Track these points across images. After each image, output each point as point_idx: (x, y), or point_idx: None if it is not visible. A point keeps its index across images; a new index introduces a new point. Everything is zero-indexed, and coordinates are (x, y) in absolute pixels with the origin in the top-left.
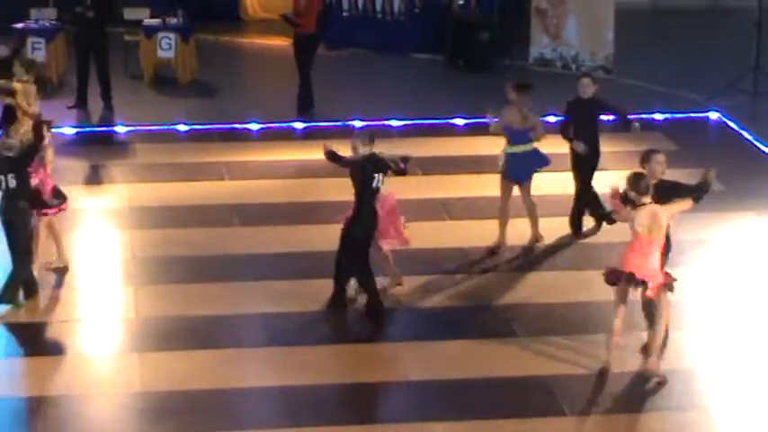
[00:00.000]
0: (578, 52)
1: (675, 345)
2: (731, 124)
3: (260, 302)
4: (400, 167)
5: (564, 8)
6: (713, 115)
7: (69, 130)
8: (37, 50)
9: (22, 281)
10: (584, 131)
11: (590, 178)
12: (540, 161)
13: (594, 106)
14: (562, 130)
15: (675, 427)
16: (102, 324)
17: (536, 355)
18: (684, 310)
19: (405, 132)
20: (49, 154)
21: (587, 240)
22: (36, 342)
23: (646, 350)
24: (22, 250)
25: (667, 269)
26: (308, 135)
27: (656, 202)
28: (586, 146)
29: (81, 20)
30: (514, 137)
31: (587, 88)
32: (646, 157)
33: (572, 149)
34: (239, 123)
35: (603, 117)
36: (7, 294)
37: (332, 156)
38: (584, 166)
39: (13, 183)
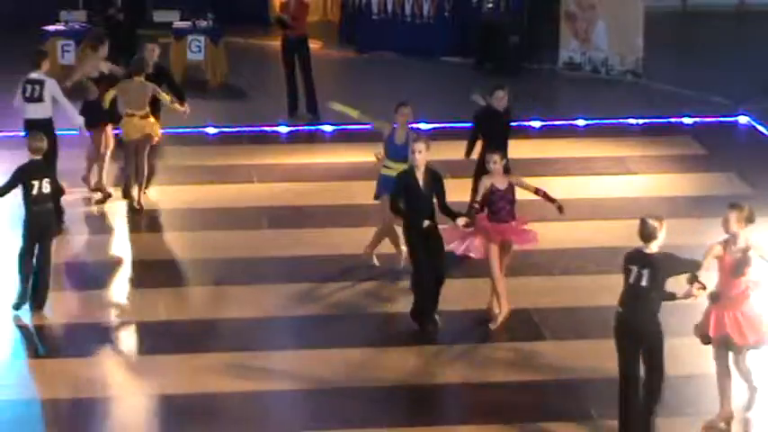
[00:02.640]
0: (607, 56)
1: (705, 350)
2: (761, 128)
3: (287, 305)
4: None
5: (593, 12)
6: (743, 119)
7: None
8: (66, 53)
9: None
10: (495, 143)
11: None
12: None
13: (506, 117)
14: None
15: None
16: (126, 326)
17: (564, 358)
18: None
19: (433, 135)
20: None
21: (616, 245)
22: (59, 344)
23: None
24: (49, 253)
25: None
26: (337, 138)
27: None
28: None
29: (112, 22)
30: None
31: (501, 101)
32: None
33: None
34: (268, 126)
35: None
36: (39, 299)
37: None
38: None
39: (47, 188)
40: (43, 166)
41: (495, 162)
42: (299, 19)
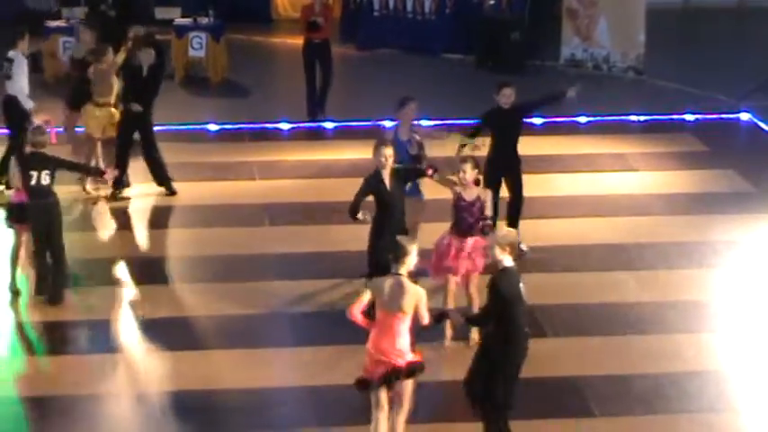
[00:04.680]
0: (609, 53)
1: (706, 346)
2: (762, 125)
3: (289, 302)
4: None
5: (595, 9)
6: (744, 116)
7: None
8: (68, 50)
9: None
10: (504, 142)
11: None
12: None
13: (516, 114)
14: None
15: (706, 429)
16: (130, 323)
17: (566, 355)
18: (715, 311)
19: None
20: None
21: (617, 241)
22: (64, 341)
23: None
24: (61, 248)
25: (699, 269)
26: (338, 135)
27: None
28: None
29: (104, 18)
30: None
31: (509, 99)
32: None
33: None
34: (270, 123)
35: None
36: (59, 294)
37: None
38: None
39: (47, 180)
40: (44, 158)
41: (465, 172)
42: (328, 22)
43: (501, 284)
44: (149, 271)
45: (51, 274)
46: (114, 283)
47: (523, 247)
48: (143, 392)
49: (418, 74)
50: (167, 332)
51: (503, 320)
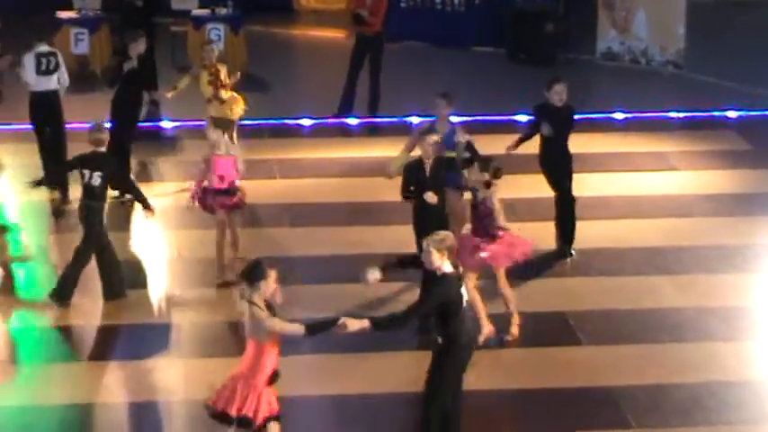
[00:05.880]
0: (647, 46)
1: (748, 355)
2: None
3: (312, 306)
4: None
5: (633, 0)
6: None
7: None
8: (80, 41)
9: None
10: (553, 140)
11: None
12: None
13: (568, 112)
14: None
15: None
16: (148, 329)
17: (601, 364)
18: (757, 318)
19: (465, 129)
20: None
21: (655, 244)
22: (79, 347)
23: None
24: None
25: (741, 274)
26: (362, 132)
27: None
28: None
29: (129, 9)
30: None
31: (560, 96)
32: None
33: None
34: (291, 119)
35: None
36: (115, 292)
37: None
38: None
39: (97, 181)
40: (101, 159)
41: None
42: (375, 14)
43: (434, 290)
44: (164, 273)
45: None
46: (139, 286)
47: (572, 251)
48: (158, 401)
49: (447, 67)
50: (184, 338)
51: (445, 324)
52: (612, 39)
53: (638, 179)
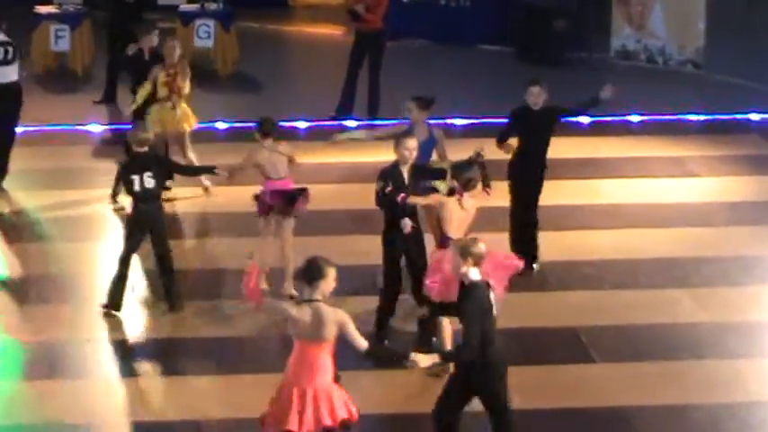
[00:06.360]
0: (665, 44)
1: None
2: None
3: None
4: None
5: None
6: None
7: (96, 128)
8: (60, 38)
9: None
10: (530, 146)
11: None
12: None
13: (545, 116)
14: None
15: None
16: (144, 344)
17: (614, 383)
18: None
19: (469, 132)
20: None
21: (672, 255)
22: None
23: None
24: (170, 256)
25: (763, 286)
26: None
27: None
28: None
29: (115, 5)
30: None
31: (536, 99)
32: None
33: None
34: (285, 121)
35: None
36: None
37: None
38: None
39: (151, 183)
40: (146, 158)
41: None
42: (374, 11)
43: (467, 306)
44: (155, 287)
45: (165, 283)
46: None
47: (535, 266)
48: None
49: (450, 67)
50: (182, 354)
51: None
52: (627, 36)
53: (655, 186)
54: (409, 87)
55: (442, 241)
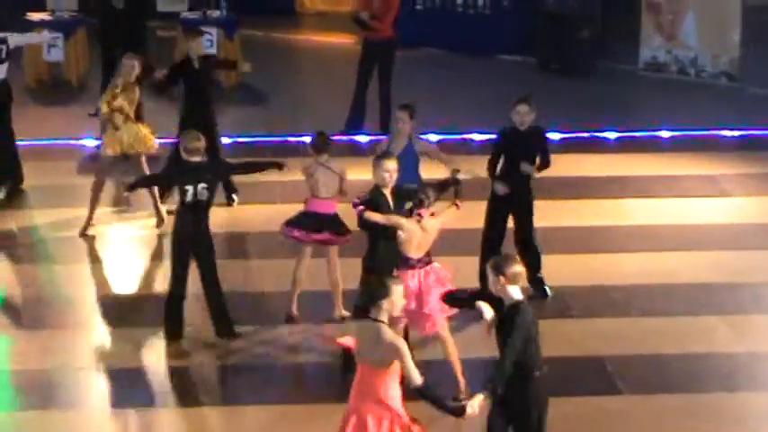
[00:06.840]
0: (698, 55)
1: None
2: None
3: (322, 348)
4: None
5: (681, 2)
6: None
7: (91, 142)
8: (53, 47)
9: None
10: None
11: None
12: None
13: (532, 138)
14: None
15: None
16: (149, 372)
17: (644, 416)
18: None
19: (488, 149)
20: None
21: (706, 280)
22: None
23: None
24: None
25: None
26: (374, 150)
27: None
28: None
29: (111, 12)
30: None
31: (523, 118)
32: None
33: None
34: (292, 135)
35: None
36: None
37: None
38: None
39: (204, 194)
40: (201, 168)
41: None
42: (382, 18)
43: (517, 323)
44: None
45: (214, 307)
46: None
47: (548, 289)
48: None
49: (469, 78)
50: (189, 382)
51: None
52: (657, 46)
53: (686, 206)
54: (425, 100)
55: (402, 262)
